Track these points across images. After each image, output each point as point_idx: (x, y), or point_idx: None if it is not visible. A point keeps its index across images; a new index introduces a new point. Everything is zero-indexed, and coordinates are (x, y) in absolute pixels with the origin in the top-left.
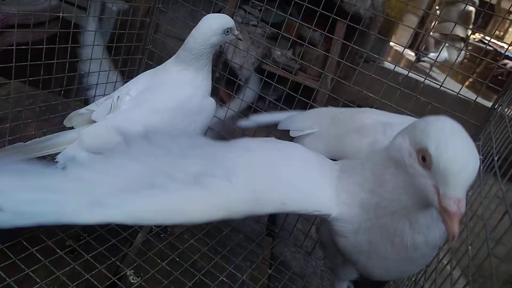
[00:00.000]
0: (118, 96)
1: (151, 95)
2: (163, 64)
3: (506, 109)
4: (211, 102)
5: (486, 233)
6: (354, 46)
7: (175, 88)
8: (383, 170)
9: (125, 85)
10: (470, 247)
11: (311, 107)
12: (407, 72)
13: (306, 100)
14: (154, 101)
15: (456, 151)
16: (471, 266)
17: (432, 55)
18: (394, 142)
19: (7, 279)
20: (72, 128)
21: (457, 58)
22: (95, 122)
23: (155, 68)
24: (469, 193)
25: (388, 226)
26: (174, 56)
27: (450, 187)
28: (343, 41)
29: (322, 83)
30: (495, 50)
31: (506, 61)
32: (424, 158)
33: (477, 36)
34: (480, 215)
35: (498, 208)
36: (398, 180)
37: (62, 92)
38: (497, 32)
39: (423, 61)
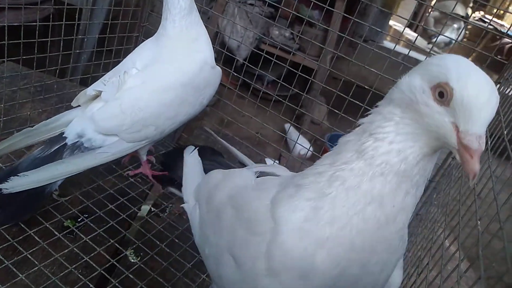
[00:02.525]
0: (125, 71)
1: (160, 68)
2: (161, 25)
3: (507, 88)
4: (218, 72)
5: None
6: (355, 19)
7: (184, 58)
8: (383, 123)
9: (128, 57)
10: (479, 222)
11: (311, 86)
12: (408, 50)
13: (307, 77)
14: (164, 77)
15: (480, 84)
16: (480, 241)
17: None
18: (401, 83)
19: (5, 261)
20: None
21: (458, 36)
22: (98, 97)
23: (156, 34)
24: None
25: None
26: (162, 17)
27: (473, 123)
28: (345, 14)
29: (321, 63)
30: (495, 29)
31: (506, 40)
32: (442, 93)
33: (477, 14)
34: (482, 197)
35: (502, 189)
36: (403, 127)
37: (57, 71)
38: (495, 10)
39: (431, 43)
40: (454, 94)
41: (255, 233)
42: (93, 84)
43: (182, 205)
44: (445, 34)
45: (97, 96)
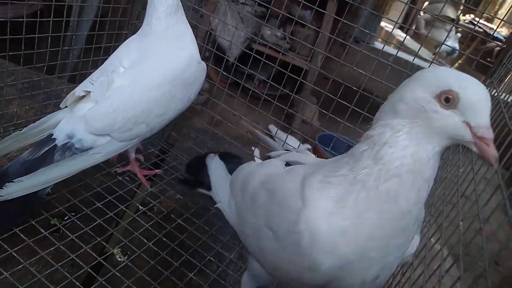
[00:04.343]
0: (112, 70)
1: (148, 65)
2: (144, 22)
3: (494, 90)
4: (203, 68)
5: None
6: (345, 21)
7: (171, 55)
8: (392, 136)
9: (114, 55)
10: (461, 223)
11: (302, 86)
12: (397, 51)
13: (296, 77)
14: (153, 74)
15: (476, 84)
16: (461, 242)
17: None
18: (404, 96)
19: None
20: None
21: (445, 39)
22: (85, 97)
23: (141, 29)
24: (460, 173)
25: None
26: (146, 14)
27: (481, 117)
28: (335, 17)
29: (312, 63)
30: (485, 32)
31: (495, 42)
32: (448, 99)
33: (467, 17)
34: (468, 196)
35: (485, 188)
36: (416, 134)
37: (45, 68)
38: (486, 14)
39: (436, 53)
40: (459, 97)
41: (288, 206)
42: (80, 85)
43: (216, 205)
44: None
45: (84, 96)
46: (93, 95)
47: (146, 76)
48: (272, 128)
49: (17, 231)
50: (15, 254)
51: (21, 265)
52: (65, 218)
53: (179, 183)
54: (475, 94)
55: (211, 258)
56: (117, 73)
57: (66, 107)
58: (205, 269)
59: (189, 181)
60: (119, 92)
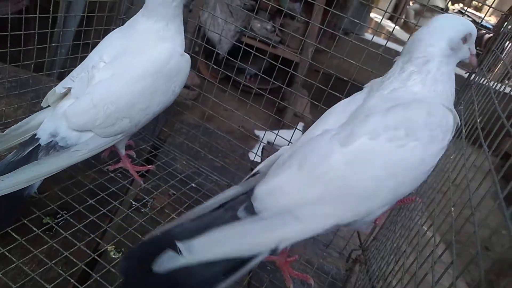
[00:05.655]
0: (92, 66)
1: (129, 59)
2: (131, 19)
3: (483, 78)
4: (187, 60)
5: (469, 193)
6: (334, 11)
7: (152, 48)
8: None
9: (94, 51)
10: (453, 208)
11: (293, 79)
12: (386, 41)
13: (287, 69)
14: (133, 67)
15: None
16: (453, 227)
17: None
18: (441, 42)
19: None
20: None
21: None
22: (67, 95)
23: (124, 25)
24: (451, 160)
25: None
26: (142, 8)
27: (473, 45)
28: (325, 7)
29: (303, 55)
30: (473, 21)
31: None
32: (466, 38)
33: (456, 6)
34: (458, 184)
35: (475, 176)
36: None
37: (33, 66)
38: (475, 3)
39: None
40: (472, 37)
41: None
42: (61, 82)
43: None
44: None
45: (66, 94)
46: (73, 92)
47: (127, 70)
48: (259, 133)
49: (9, 230)
50: (7, 254)
51: (14, 264)
52: (58, 217)
53: None
54: (476, 33)
55: None
56: (98, 68)
57: (49, 106)
58: None
59: None
60: (99, 87)
